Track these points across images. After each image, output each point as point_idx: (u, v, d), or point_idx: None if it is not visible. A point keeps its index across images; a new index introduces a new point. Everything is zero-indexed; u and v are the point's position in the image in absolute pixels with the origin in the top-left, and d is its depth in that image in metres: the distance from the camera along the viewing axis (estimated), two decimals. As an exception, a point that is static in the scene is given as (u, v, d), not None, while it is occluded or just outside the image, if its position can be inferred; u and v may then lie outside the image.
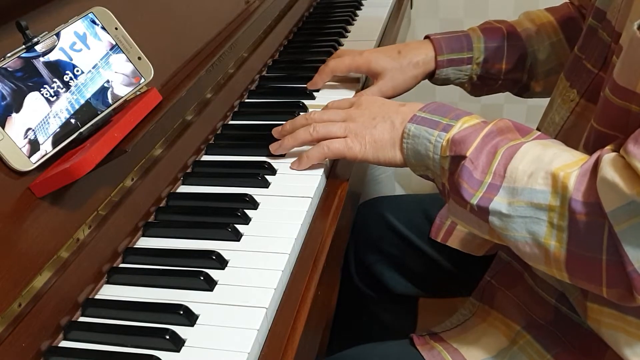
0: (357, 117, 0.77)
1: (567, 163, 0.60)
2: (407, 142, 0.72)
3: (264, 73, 1.08)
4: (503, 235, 0.63)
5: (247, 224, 0.71)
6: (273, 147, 0.81)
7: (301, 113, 0.92)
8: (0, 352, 0.52)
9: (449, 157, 0.68)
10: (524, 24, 0.99)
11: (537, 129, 0.83)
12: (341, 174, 0.82)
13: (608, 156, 0.58)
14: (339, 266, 0.82)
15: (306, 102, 0.96)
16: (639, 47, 0.58)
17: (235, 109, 0.96)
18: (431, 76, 0.98)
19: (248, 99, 1.00)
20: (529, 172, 0.61)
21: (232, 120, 0.94)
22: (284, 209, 0.73)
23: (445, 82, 0.99)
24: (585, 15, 0.96)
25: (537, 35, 0.98)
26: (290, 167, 0.79)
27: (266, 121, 0.91)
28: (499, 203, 0.62)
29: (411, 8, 1.54)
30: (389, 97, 0.95)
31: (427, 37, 0.99)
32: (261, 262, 0.65)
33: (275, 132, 0.83)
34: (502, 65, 0.98)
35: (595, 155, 0.60)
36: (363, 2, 1.40)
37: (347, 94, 0.97)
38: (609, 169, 0.56)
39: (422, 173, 0.74)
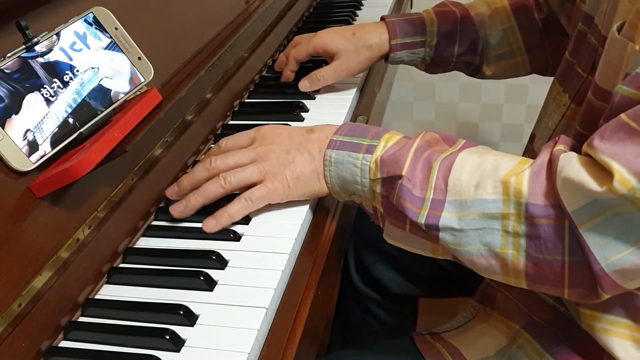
0: (268, 154, 0.71)
1: (513, 167, 0.59)
2: (329, 169, 0.69)
3: (264, 73, 1.08)
4: (455, 251, 0.62)
5: (247, 224, 0.70)
6: (176, 210, 0.71)
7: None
8: (0, 352, 0.52)
9: (380, 179, 0.65)
10: (479, 7, 1.01)
11: (533, 133, 0.84)
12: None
13: (567, 155, 0.57)
14: (339, 266, 0.82)
15: (306, 102, 0.96)
16: (617, 47, 0.58)
17: (235, 109, 0.96)
18: (386, 58, 1.00)
19: (248, 99, 1.00)
20: (474, 182, 0.60)
21: (232, 120, 0.94)
22: (284, 209, 0.73)
23: (398, 62, 1.01)
24: (539, 2, 1.00)
25: (490, 20, 1.00)
26: (203, 227, 0.69)
27: (266, 121, 0.91)
28: (448, 218, 0.60)
29: (411, 8, 1.54)
30: (343, 77, 0.97)
31: (382, 18, 1.00)
32: (261, 262, 0.65)
33: (171, 192, 0.73)
34: (455, 48, 0.99)
35: (544, 156, 0.59)
36: (363, 2, 1.40)
37: (348, 95, 0.97)
38: (574, 168, 0.55)
39: (347, 199, 0.71)
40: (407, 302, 1.11)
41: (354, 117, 0.95)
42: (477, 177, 0.60)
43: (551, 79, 0.84)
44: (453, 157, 0.62)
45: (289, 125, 0.75)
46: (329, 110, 0.95)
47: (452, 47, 0.99)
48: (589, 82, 0.72)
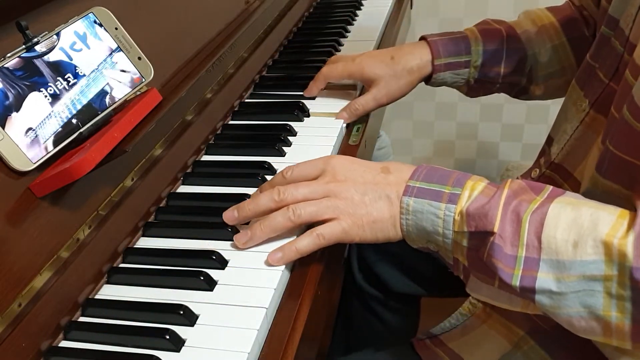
0: (342, 192, 0.66)
1: (612, 224, 0.56)
2: (406, 218, 0.65)
3: (264, 73, 1.08)
4: (552, 313, 0.59)
5: (248, 223, 0.70)
6: (241, 240, 0.67)
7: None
8: (0, 352, 0.52)
9: (466, 232, 0.61)
10: (524, 24, 0.97)
11: (551, 136, 0.82)
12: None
13: None
14: (340, 265, 0.82)
15: (306, 102, 0.96)
16: None
17: (235, 109, 0.96)
18: (427, 79, 0.96)
19: (248, 99, 1.00)
20: (572, 241, 0.56)
21: (232, 120, 0.94)
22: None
23: (441, 84, 0.98)
24: (586, 17, 0.95)
25: (538, 37, 0.96)
26: (268, 261, 0.65)
27: (266, 121, 0.91)
28: (544, 280, 0.57)
29: (411, 8, 1.54)
30: (384, 104, 0.94)
31: (422, 38, 0.96)
32: (261, 261, 0.65)
33: (229, 217, 0.69)
34: (501, 68, 0.95)
35: None
36: (363, 2, 1.40)
37: (348, 98, 0.97)
38: None
39: (421, 246, 0.68)
40: (409, 301, 1.11)
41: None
42: (575, 235, 0.56)
43: None
44: (544, 210, 0.58)
45: (358, 159, 0.71)
46: (328, 110, 0.95)
47: (497, 67, 0.95)
48: (610, 89, 0.70)
